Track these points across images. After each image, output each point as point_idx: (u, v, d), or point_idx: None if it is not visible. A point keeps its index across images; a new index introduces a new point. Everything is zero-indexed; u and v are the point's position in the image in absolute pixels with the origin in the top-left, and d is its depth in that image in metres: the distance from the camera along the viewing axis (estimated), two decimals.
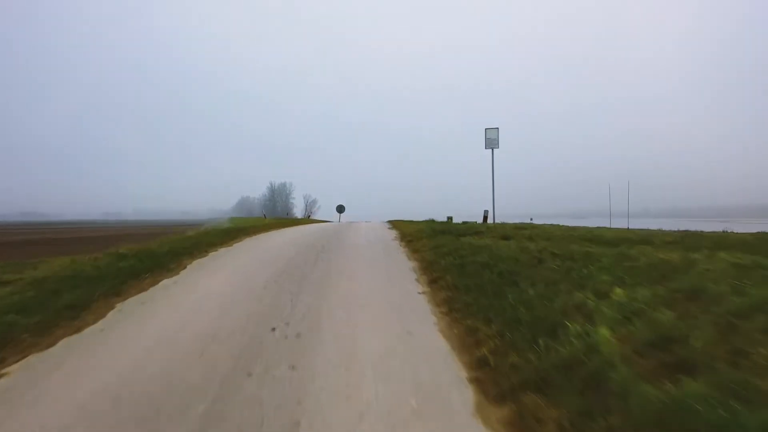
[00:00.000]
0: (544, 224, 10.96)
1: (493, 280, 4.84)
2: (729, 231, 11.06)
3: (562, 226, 10.26)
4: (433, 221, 14.62)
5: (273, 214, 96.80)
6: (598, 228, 8.90)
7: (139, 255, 7.57)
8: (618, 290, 3.65)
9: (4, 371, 3.33)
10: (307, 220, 22.02)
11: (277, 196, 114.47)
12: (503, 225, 12.61)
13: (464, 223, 14.35)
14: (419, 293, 5.29)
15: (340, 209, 29.87)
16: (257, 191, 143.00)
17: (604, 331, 2.87)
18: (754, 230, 11.48)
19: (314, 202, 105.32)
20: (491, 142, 15.20)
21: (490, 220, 15.03)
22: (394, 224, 15.98)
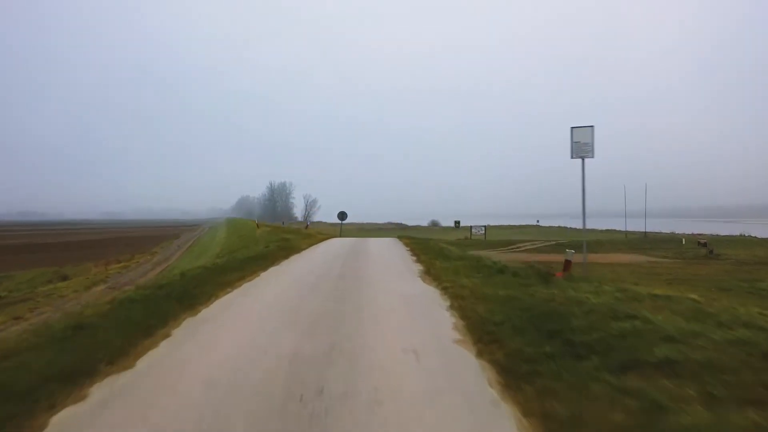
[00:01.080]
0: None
1: None
2: None
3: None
4: (483, 265, 9.49)
5: (272, 215, 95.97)
6: None
7: None
8: None
9: None
10: (304, 237, 21.18)
11: (277, 196, 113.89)
12: (644, 296, 5.26)
13: (539, 273, 7.66)
14: None
15: (342, 216, 29.56)
16: (257, 191, 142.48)
17: None
18: None
19: (314, 202, 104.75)
20: (581, 148, 8.34)
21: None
22: (424, 261, 10.60)
